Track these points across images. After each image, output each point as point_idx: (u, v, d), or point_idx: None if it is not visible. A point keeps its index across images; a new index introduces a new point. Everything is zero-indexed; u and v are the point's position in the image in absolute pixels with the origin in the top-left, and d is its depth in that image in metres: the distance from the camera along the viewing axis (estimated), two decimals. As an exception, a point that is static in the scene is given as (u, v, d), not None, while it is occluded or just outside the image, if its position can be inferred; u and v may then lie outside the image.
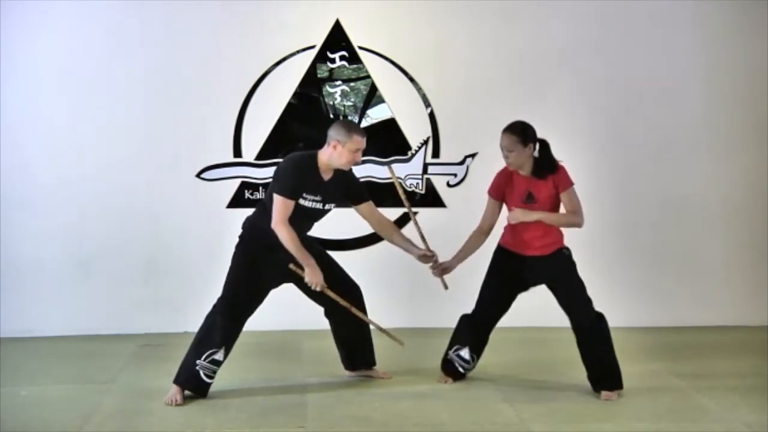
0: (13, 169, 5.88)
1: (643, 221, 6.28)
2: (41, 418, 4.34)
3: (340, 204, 4.69)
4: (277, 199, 4.46)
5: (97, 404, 4.50)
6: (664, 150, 6.25)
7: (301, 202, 4.52)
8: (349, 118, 6.08)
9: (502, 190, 4.71)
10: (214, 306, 4.59)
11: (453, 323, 4.92)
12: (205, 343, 4.51)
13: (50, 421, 4.28)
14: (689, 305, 6.28)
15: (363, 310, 4.82)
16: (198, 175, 6.01)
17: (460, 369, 4.87)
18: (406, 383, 4.87)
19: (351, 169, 4.71)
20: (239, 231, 6.11)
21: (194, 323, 5.97)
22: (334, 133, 4.54)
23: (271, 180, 4.65)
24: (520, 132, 4.57)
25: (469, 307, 4.87)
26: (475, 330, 4.84)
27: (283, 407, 4.47)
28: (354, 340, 4.90)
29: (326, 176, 4.59)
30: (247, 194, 6.05)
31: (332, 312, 4.82)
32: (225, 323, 4.53)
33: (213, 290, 5.99)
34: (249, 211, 5.97)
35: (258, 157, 6.04)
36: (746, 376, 5.02)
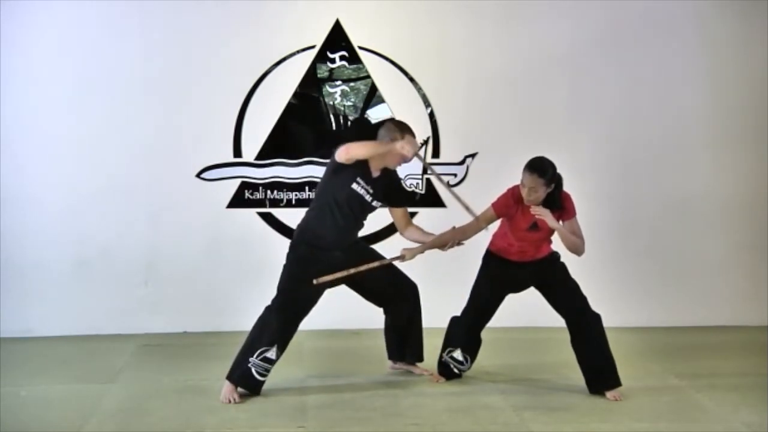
0: (13, 170, 5.87)
1: (644, 221, 6.28)
2: (41, 418, 4.34)
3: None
4: (343, 147, 4.50)
5: (97, 404, 4.50)
6: (664, 150, 6.25)
7: (354, 186, 4.59)
8: (350, 118, 6.11)
9: (509, 211, 4.69)
10: (269, 306, 4.62)
11: (452, 323, 4.94)
12: (259, 342, 4.55)
13: (50, 421, 4.28)
14: (689, 305, 6.28)
15: (418, 306, 4.90)
16: (198, 175, 6.01)
17: (455, 370, 4.90)
18: (406, 383, 4.87)
19: (396, 172, 4.81)
20: (236, 231, 6.12)
21: (194, 323, 6.04)
22: (386, 132, 4.64)
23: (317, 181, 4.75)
24: (546, 173, 4.52)
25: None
26: (465, 332, 4.85)
27: (283, 407, 4.47)
28: (409, 329, 4.94)
29: (375, 173, 4.68)
30: (247, 194, 6.05)
31: (387, 304, 4.90)
32: (279, 323, 4.57)
33: (213, 290, 6.05)
34: (249, 211, 6.06)
35: (258, 157, 6.04)
36: (746, 376, 5.03)
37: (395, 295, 4.87)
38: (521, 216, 4.66)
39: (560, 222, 4.61)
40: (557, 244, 4.73)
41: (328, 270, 4.60)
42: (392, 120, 4.90)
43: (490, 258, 4.82)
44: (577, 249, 4.64)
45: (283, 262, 4.70)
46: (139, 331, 5.96)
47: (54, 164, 5.92)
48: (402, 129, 4.64)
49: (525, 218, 4.65)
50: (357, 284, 4.79)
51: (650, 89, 6.21)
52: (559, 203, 4.61)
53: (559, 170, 4.65)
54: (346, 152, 4.51)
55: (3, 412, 4.38)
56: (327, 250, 4.63)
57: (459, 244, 4.75)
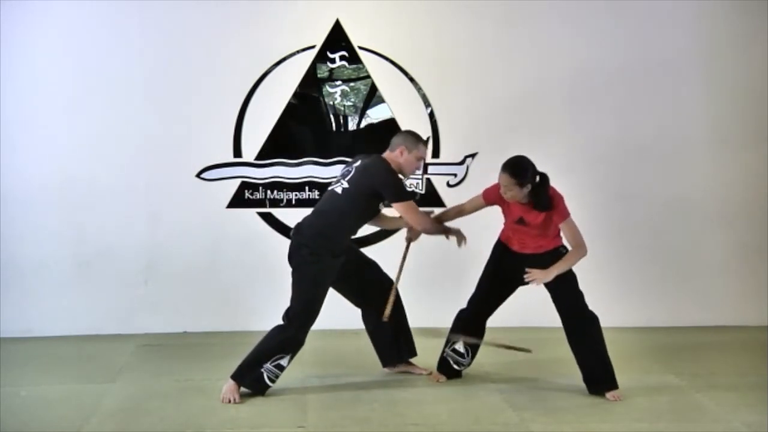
0: (13, 169, 5.87)
1: (643, 221, 6.27)
2: (41, 418, 4.34)
3: None
4: (407, 205, 4.65)
5: (97, 404, 4.51)
6: (664, 150, 6.24)
7: (381, 206, 4.69)
8: (350, 118, 6.12)
9: (496, 200, 4.74)
10: (289, 317, 4.61)
11: (455, 324, 4.94)
12: (275, 349, 4.58)
13: (50, 421, 4.28)
14: (689, 305, 6.28)
15: (400, 301, 4.94)
16: (198, 175, 6.01)
17: (455, 366, 4.89)
18: (406, 383, 4.87)
19: None
20: (236, 231, 6.05)
21: (194, 323, 6.04)
22: (401, 140, 4.74)
23: (350, 185, 4.64)
24: (518, 175, 4.54)
25: (469, 307, 4.88)
26: (469, 321, 4.85)
27: (283, 407, 4.47)
28: (397, 330, 4.94)
29: None
30: (247, 194, 6.05)
31: (368, 303, 4.92)
32: (297, 334, 4.60)
33: (213, 290, 6.04)
34: (249, 211, 6.04)
35: (258, 157, 6.04)
36: (746, 376, 5.03)
37: (377, 293, 4.87)
38: (507, 209, 4.71)
39: (552, 219, 4.60)
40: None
41: (335, 275, 4.67)
42: (409, 132, 4.93)
43: (498, 246, 4.84)
44: (581, 257, 4.63)
45: (295, 270, 4.65)
46: (139, 331, 5.96)
47: (54, 164, 5.92)
48: (418, 141, 4.76)
49: (512, 212, 4.68)
50: (340, 283, 4.79)
51: (650, 89, 6.20)
52: (545, 203, 4.59)
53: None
54: (420, 225, 4.70)
55: (3, 412, 4.38)
56: (339, 257, 4.66)
57: (460, 237, 4.85)
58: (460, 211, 4.89)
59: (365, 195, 4.62)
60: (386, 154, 4.75)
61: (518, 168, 4.56)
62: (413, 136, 4.80)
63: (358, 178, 4.65)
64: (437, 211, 5.05)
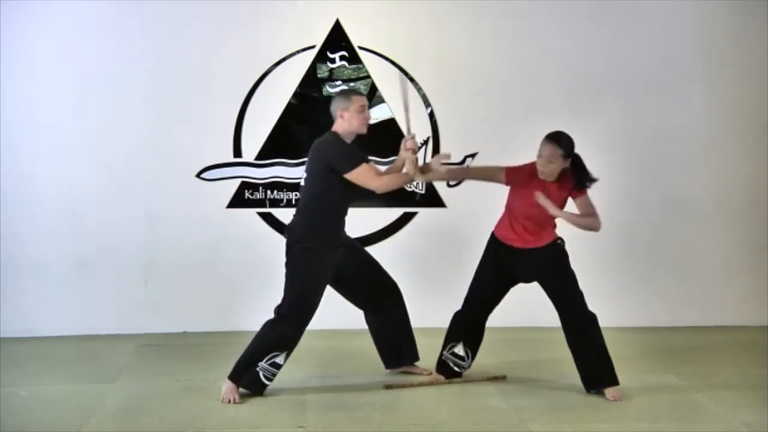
0: (13, 169, 5.87)
1: (643, 221, 6.28)
2: (41, 418, 4.34)
3: None
4: (359, 172, 4.47)
5: (97, 404, 4.51)
6: (664, 150, 6.25)
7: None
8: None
9: (518, 180, 4.62)
10: (280, 313, 4.57)
11: (454, 323, 4.93)
12: (269, 347, 4.54)
13: (50, 421, 4.28)
14: (689, 305, 6.28)
15: (404, 303, 4.92)
16: (198, 175, 6.01)
17: (456, 368, 4.88)
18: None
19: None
20: (236, 231, 6.04)
21: (194, 323, 6.04)
22: (334, 106, 4.66)
23: (309, 173, 4.60)
24: (567, 146, 4.53)
25: (469, 307, 4.87)
26: (467, 324, 4.83)
27: (283, 407, 4.47)
28: (399, 332, 4.93)
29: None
30: (247, 194, 6.05)
31: (370, 303, 4.90)
32: (291, 330, 4.57)
33: (213, 290, 6.05)
34: (249, 211, 6.04)
35: (258, 157, 6.04)
36: (746, 376, 5.03)
37: (380, 293, 4.86)
38: (527, 190, 4.58)
39: (569, 198, 4.60)
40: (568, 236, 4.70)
41: (332, 268, 4.62)
42: (336, 94, 4.95)
43: (492, 242, 4.77)
44: (592, 227, 4.59)
45: (287, 265, 4.62)
46: (139, 331, 5.96)
47: (54, 164, 5.92)
48: (348, 96, 4.68)
49: (531, 191, 4.56)
50: (341, 283, 4.77)
51: (650, 89, 6.21)
52: (584, 183, 4.58)
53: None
54: (380, 188, 4.53)
55: (3, 412, 4.38)
56: (337, 246, 4.63)
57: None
58: (465, 172, 4.88)
59: (321, 174, 4.54)
60: (335, 127, 4.66)
61: (565, 139, 4.54)
62: (342, 95, 4.77)
63: (311, 162, 4.62)
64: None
